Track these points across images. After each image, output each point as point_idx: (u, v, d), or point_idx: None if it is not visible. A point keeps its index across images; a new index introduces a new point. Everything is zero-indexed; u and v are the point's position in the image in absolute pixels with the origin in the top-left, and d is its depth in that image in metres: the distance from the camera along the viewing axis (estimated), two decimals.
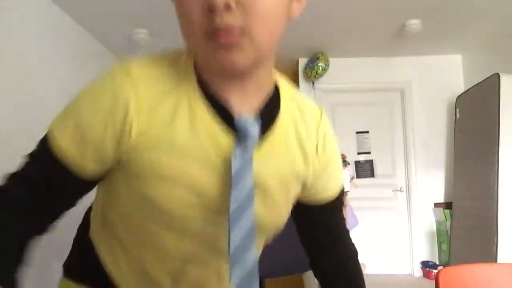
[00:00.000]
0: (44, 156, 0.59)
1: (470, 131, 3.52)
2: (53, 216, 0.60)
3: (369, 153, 4.18)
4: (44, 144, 0.61)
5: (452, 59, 4.17)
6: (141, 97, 0.54)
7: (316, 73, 3.99)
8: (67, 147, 0.57)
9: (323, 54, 3.98)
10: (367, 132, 4.20)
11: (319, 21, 3.40)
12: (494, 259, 2.89)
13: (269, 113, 0.61)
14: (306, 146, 0.65)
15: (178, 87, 0.57)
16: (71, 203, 0.60)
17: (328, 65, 4.00)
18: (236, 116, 0.57)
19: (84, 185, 0.58)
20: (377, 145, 4.17)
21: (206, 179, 0.56)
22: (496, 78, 3.11)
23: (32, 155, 0.61)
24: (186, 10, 0.51)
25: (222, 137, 0.56)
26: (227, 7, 0.48)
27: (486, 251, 3.01)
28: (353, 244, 0.80)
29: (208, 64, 0.55)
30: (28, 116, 2.64)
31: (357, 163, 4.16)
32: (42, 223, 0.60)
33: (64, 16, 3.13)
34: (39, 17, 2.82)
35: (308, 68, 4.03)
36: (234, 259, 0.55)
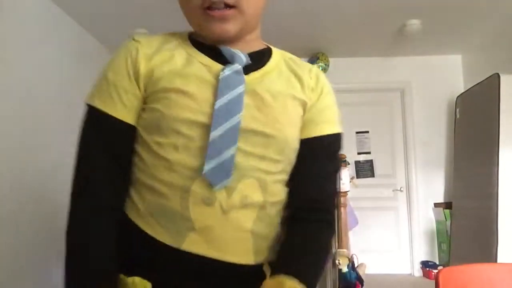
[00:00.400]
0: (96, 124, 0.71)
1: (470, 131, 3.52)
2: (125, 178, 0.70)
3: (369, 153, 4.18)
4: (90, 116, 0.72)
5: (452, 59, 4.18)
6: (144, 51, 0.70)
7: None
8: (110, 106, 0.69)
9: (323, 54, 3.99)
10: (367, 132, 4.20)
11: (319, 21, 3.40)
12: (494, 259, 2.89)
13: (259, 56, 0.73)
14: (301, 76, 0.75)
15: (174, 43, 0.73)
16: (130, 154, 0.70)
17: (328, 65, 4.00)
18: (223, 48, 0.70)
19: (132, 129, 0.70)
20: (377, 145, 4.18)
21: (204, 91, 0.67)
22: (496, 78, 3.11)
23: (84, 134, 0.72)
24: None
25: (214, 65, 0.70)
26: None
27: (486, 251, 3.01)
28: (329, 200, 0.75)
29: (205, 32, 0.70)
30: (28, 116, 2.64)
31: (357, 163, 4.16)
32: (122, 190, 0.70)
33: (64, 16, 3.13)
34: (39, 17, 2.82)
35: None
36: (211, 153, 0.64)
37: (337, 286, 2.53)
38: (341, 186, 2.48)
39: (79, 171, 0.70)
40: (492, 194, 3.03)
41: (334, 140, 0.77)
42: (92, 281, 0.66)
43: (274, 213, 0.71)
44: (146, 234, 0.67)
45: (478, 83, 3.41)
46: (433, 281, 1.19)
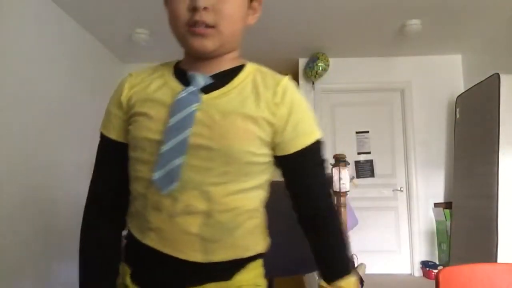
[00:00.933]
0: (101, 145, 0.89)
1: (470, 131, 3.52)
2: (125, 187, 0.84)
3: (369, 153, 4.18)
4: (100, 139, 0.89)
5: (452, 59, 4.18)
6: (130, 82, 0.86)
7: (316, 73, 3.99)
8: (108, 129, 0.87)
9: (323, 54, 3.99)
10: (367, 132, 4.20)
11: (319, 21, 3.40)
12: (494, 259, 2.89)
13: (225, 76, 0.82)
14: (261, 94, 0.81)
15: (159, 73, 0.85)
16: (124, 168, 0.84)
17: (328, 65, 4.00)
18: (189, 74, 0.81)
19: (122, 146, 0.84)
20: (377, 145, 4.18)
21: (162, 113, 0.78)
22: (496, 78, 3.11)
23: (96, 156, 0.90)
24: (175, 8, 0.77)
25: (178, 89, 0.80)
26: (205, 9, 0.74)
27: (486, 251, 3.01)
28: (326, 202, 0.86)
29: (187, 47, 0.80)
30: (28, 116, 2.64)
31: (357, 163, 4.16)
32: (121, 202, 0.86)
33: (65, 16, 3.13)
34: (39, 17, 2.82)
35: (308, 68, 4.03)
36: (161, 162, 0.76)
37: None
38: (341, 186, 2.48)
39: (91, 182, 0.88)
40: (492, 194, 3.03)
41: (314, 148, 0.84)
42: (87, 281, 0.84)
43: (228, 219, 0.78)
44: (130, 230, 0.84)
45: (478, 83, 3.41)
46: (433, 281, 1.19)
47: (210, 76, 0.81)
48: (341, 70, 4.13)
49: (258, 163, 0.80)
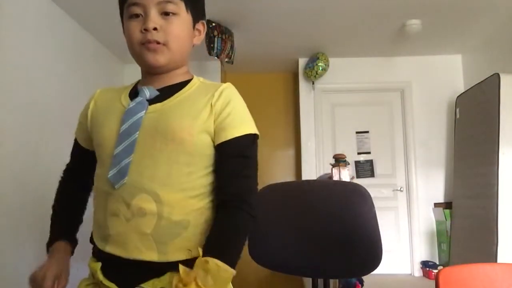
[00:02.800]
0: (74, 146, 1.10)
1: (470, 131, 3.52)
2: (88, 173, 1.02)
3: (369, 153, 4.18)
4: (74, 141, 1.09)
5: (452, 59, 4.18)
6: (97, 99, 1.03)
7: (316, 73, 3.99)
8: (79, 136, 1.08)
9: (323, 54, 3.99)
10: (367, 132, 4.20)
11: (319, 21, 3.40)
12: (494, 259, 2.89)
13: (172, 89, 0.95)
14: (201, 100, 0.92)
15: (119, 91, 1.01)
16: (90, 164, 1.00)
17: (328, 65, 4.00)
18: (139, 88, 0.96)
19: (85, 151, 1.05)
20: (377, 145, 4.18)
21: (117, 122, 0.91)
22: (496, 78, 3.11)
23: (71, 150, 1.12)
24: (132, 31, 0.93)
25: (127, 103, 0.95)
26: (155, 29, 0.90)
27: (486, 251, 3.01)
28: (239, 196, 0.88)
29: (142, 62, 0.95)
30: (28, 116, 2.64)
31: (357, 163, 4.16)
32: (86, 178, 1.04)
33: (64, 16, 3.13)
34: (39, 17, 2.82)
35: (308, 68, 4.03)
36: (114, 162, 0.87)
37: (337, 286, 2.54)
38: None
39: (67, 164, 1.14)
40: (492, 194, 3.03)
41: (240, 142, 0.90)
42: (52, 238, 1.00)
43: (178, 218, 0.86)
44: (93, 239, 0.94)
45: (478, 83, 3.41)
46: (433, 281, 1.19)
47: (160, 89, 0.94)
48: (341, 70, 4.13)
49: (199, 153, 0.89)
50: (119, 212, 0.86)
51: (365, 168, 4.16)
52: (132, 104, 0.92)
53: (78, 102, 3.30)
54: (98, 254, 0.92)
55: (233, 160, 0.90)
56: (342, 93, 4.23)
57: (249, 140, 0.92)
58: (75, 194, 1.08)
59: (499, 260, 2.87)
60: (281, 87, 4.60)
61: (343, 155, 2.93)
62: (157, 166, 0.86)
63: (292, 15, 3.27)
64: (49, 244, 0.98)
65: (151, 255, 0.85)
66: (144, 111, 0.90)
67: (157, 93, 0.93)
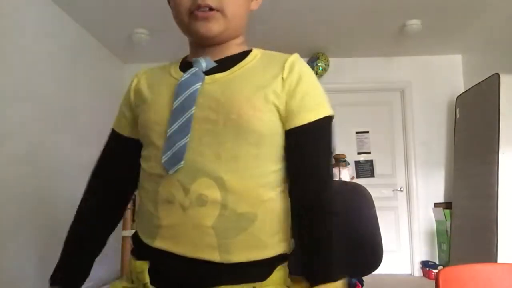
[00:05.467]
0: (110, 138, 0.92)
1: (470, 131, 3.52)
2: (127, 173, 0.87)
3: (369, 153, 4.18)
4: (111, 135, 0.92)
5: (452, 59, 4.18)
6: (139, 79, 0.88)
7: (316, 73, 3.99)
8: (119, 126, 0.90)
9: (323, 54, 3.99)
10: (367, 132, 4.20)
11: (319, 21, 3.40)
12: (494, 259, 2.89)
13: (231, 61, 0.81)
14: (268, 72, 0.78)
15: (165, 68, 0.86)
16: (132, 159, 0.84)
17: (328, 65, 4.00)
18: (193, 59, 0.81)
19: (132, 142, 0.86)
20: (377, 145, 4.18)
21: (168, 98, 0.78)
22: (496, 78, 3.11)
23: (103, 150, 0.93)
24: None
25: (179, 75, 0.81)
26: None
27: (486, 251, 3.01)
28: (321, 191, 0.75)
29: (191, 33, 0.80)
30: (29, 116, 2.64)
31: (357, 163, 4.16)
32: (123, 185, 0.89)
33: (64, 16, 3.13)
34: (39, 17, 2.82)
35: None
36: (168, 144, 0.74)
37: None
38: None
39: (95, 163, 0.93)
40: (492, 194, 3.03)
41: (320, 126, 0.77)
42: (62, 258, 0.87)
43: (245, 209, 0.72)
44: (138, 234, 0.80)
45: (478, 83, 3.41)
46: (433, 281, 1.19)
47: (216, 61, 0.80)
48: (341, 70, 4.13)
49: (270, 133, 0.75)
50: (174, 198, 0.72)
51: (365, 168, 4.16)
52: (186, 75, 0.78)
53: (78, 102, 3.31)
54: (142, 253, 0.77)
55: (312, 148, 0.76)
56: (342, 93, 4.23)
57: (328, 124, 0.78)
58: (98, 218, 0.88)
59: (499, 260, 2.87)
60: None
61: (343, 155, 2.95)
62: (221, 145, 0.72)
63: (292, 15, 3.27)
64: (52, 279, 0.84)
65: (212, 254, 0.70)
66: (200, 83, 0.76)
67: (215, 64, 0.79)
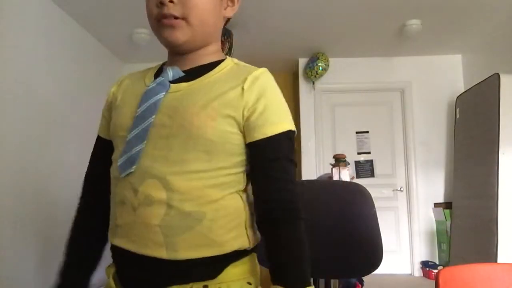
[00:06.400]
0: (95, 142, 0.95)
1: (470, 131, 3.52)
2: (104, 174, 0.87)
3: (369, 153, 4.18)
4: (96, 141, 0.96)
5: (452, 59, 4.18)
6: (119, 84, 0.93)
7: (316, 73, 3.99)
8: (100, 130, 0.94)
9: (323, 54, 3.99)
10: (367, 132, 4.20)
11: (319, 21, 3.40)
12: (494, 259, 2.89)
13: (200, 71, 0.83)
14: (231, 83, 0.80)
15: (143, 73, 0.90)
16: (107, 161, 0.86)
17: (328, 65, 4.00)
18: (165, 68, 0.84)
19: (109, 143, 0.88)
20: (377, 145, 4.18)
21: (135, 104, 0.82)
22: (496, 78, 3.11)
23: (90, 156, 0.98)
24: (148, 6, 0.81)
25: (149, 83, 0.84)
26: (171, 2, 0.77)
27: (486, 251, 3.01)
28: (284, 201, 0.77)
29: (161, 40, 0.83)
30: (29, 116, 2.64)
31: (357, 163, 4.16)
32: (103, 187, 0.87)
33: (64, 16, 3.13)
34: (40, 17, 2.82)
35: (308, 68, 4.03)
36: (126, 149, 0.78)
37: (337, 286, 2.54)
38: None
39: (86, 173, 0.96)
40: (492, 194, 3.03)
41: (279, 140, 0.78)
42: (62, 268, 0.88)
43: (190, 209, 0.74)
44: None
45: (478, 83, 3.41)
46: (433, 281, 1.19)
47: (185, 70, 0.82)
48: (341, 70, 4.13)
49: (223, 142, 0.76)
50: (126, 199, 0.77)
51: (365, 168, 4.16)
52: (152, 84, 0.82)
53: (78, 102, 3.31)
54: (112, 253, 0.83)
55: (275, 163, 0.78)
56: (342, 93, 4.23)
57: (290, 139, 0.80)
58: (94, 225, 0.89)
59: (499, 260, 2.87)
60: (281, 87, 4.52)
61: (343, 155, 2.94)
62: (171, 150, 0.76)
63: (292, 15, 3.27)
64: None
65: (159, 251, 0.74)
66: (163, 93, 0.79)
67: (182, 74, 0.82)
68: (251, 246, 0.80)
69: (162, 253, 0.74)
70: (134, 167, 0.76)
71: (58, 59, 3.04)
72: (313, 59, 3.99)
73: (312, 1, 3.06)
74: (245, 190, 0.82)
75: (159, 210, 0.74)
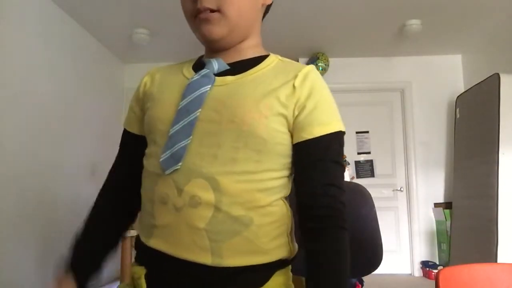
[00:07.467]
0: (123, 140, 0.90)
1: (470, 131, 3.52)
2: (132, 170, 0.83)
3: (369, 153, 4.18)
4: (123, 134, 0.90)
5: (452, 59, 4.18)
6: (151, 76, 0.86)
7: None
8: (129, 124, 0.88)
9: (323, 54, 3.99)
10: (367, 132, 4.20)
11: (319, 21, 3.41)
12: (494, 259, 2.89)
13: (244, 65, 0.78)
14: (280, 79, 0.76)
15: (179, 66, 0.85)
16: (137, 157, 0.83)
17: (328, 65, 4.00)
18: (206, 59, 0.80)
19: (141, 139, 0.83)
20: (377, 145, 4.18)
21: (176, 96, 0.77)
22: (496, 78, 3.11)
23: (118, 151, 0.92)
24: (183, 3, 0.78)
25: (191, 75, 0.79)
26: None
27: (486, 251, 3.01)
28: (333, 205, 0.72)
29: (199, 36, 0.79)
30: (28, 116, 2.64)
31: (357, 163, 4.16)
32: (132, 188, 0.83)
33: (64, 16, 3.13)
34: (40, 17, 2.82)
35: None
36: (168, 144, 0.73)
37: None
38: None
39: (109, 172, 0.90)
40: (492, 194, 3.03)
41: (330, 140, 0.74)
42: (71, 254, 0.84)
43: (239, 213, 0.70)
44: (138, 233, 0.80)
45: (478, 83, 3.42)
46: (433, 281, 1.19)
47: (229, 64, 0.78)
48: (341, 70, 4.13)
49: (274, 142, 0.72)
50: (168, 198, 0.71)
51: (365, 168, 4.16)
52: (197, 76, 0.76)
53: (78, 102, 3.31)
54: (141, 255, 0.77)
55: (320, 165, 0.73)
56: (342, 93, 4.22)
57: (339, 140, 0.77)
58: (118, 215, 0.86)
59: (499, 260, 2.87)
60: None
61: (343, 155, 2.95)
62: (221, 147, 0.70)
63: (292, 15, 3.27)
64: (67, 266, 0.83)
65: (204, 257, 0.69)
66: (210, 85, 0.74)
67: (227, 67, 0.77)
68: (292, 256, 0.77)
69: (207, 259, 0.69)
70: (180, 164, 0.71)
71: (58, 59, 3.04)
72: (313, 59, 3.99)
73: (312, 1, 3.06)
74: (288, 197, 0.78)
75: (205, 213, 0.69)
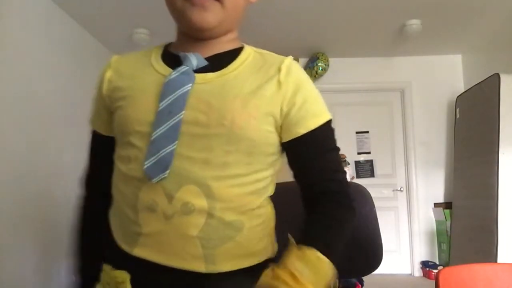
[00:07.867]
0: (92, 138, 0.88)
1: (470, 131, 3.52)
2: (108, 174, 0.78)
3: (369, 153, 4.18)
4: (91, 134, 0.88)
5: (452, 59, 4.18)
6: (114, 69, 0.80)
7: (316, 73, 3.99)
8: (95, 124, 0.85)
9: (323, 54, 3.99)
10: (367, 132, 4.20)
11: (319, 21, 3.40)
12: (494, 259, 2.89)
13: (222, 59, 0.74)
14: (264, 75, 0.73)
15: (145, 57, 0.78)
16: (110, 160, 0.78)
17: (328, 65, 4.00)
18: (181, 54, 0.73)
19: (109, 140, 0.79)
20: (377, 145, 4.18)
21: (152, 97, 0.71)
22: (496, 78, 3.11)
23: (88, 150, 0.90)
24: None
25: (167, 72, 0.72)
26: None
27: (486, 251, 3.01)
28: (340, 186, 0.75)
29: (185, 21, 0.71)
30: (29, 116, 2.64)
31: (357, 163, 4.16)
32: (104, 185, 0.79)
33: (64, 16, 3.13)
34: (39, 17, 2.82)
35: (308, 68, 4.03)
36: (152, 149, 0.67)
37: (337, 286, 2.54)
38: None
39: (84, 173, 0.89)
40: (492, 194, 3.03)
41: (324, 130, 0.76)
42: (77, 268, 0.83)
43: (232, 218, 0.69)
44: (111, 233, 0.75)
45: (478, 83, 3.41)
46: (433, 281, 1.19)
47: (206, 58, 0.73)
48: (341, 70, 4.13)
49: (263, 142, 0.71)
50: (157, 206, 0.67)
51: (365, 168, 4.16)
52: (175, 74, 0.70)
53: (78, 102, 3.31)
54: (118, 260, 0.72)
55: (326, 154, 0.75)
56: (342, 93, 4.23)
57: (329, 127, 0.77)
58: (101, 217, 0.81)
59: (499, 260, 2.87)
60: None
61: (343, 155, 2.94)
62: (212, 151, 0.67)
63: (292, 15, 3.27)
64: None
65: (197, 265, 0.67)
66: (191, 84, 0.69)
67: (206, 62, 0.72)
68: (274, 256, 0.77)
69: (200, 267, 0.67)
70: (167, 172, 0.66)
71: (58, 59, 3.04)
72: (313, 59, 3.99)
73: (312, 1, 3.05)
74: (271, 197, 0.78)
75: (198, 220, 0.67)
